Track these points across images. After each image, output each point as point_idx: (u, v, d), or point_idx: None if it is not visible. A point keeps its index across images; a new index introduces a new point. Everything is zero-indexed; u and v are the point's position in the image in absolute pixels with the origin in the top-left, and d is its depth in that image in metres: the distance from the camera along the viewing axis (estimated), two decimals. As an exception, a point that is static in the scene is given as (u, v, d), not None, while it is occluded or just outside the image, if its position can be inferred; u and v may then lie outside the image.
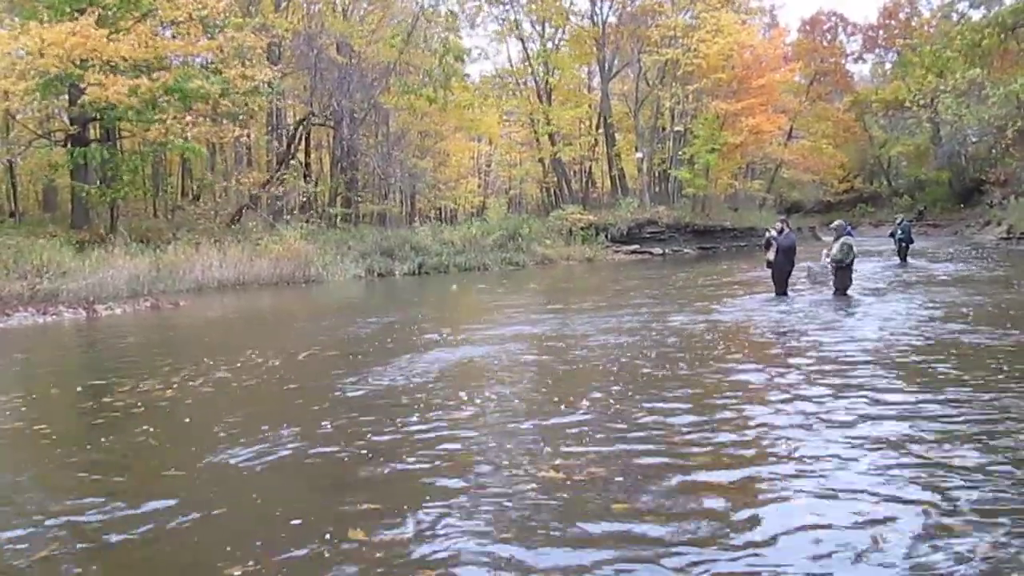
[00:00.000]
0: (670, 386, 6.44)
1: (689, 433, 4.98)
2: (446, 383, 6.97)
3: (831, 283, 13.18)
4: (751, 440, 4.81)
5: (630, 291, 16.23)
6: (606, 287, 18.16)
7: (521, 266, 27.25)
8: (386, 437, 5.17)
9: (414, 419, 5.57)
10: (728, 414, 5.47)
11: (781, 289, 13.27)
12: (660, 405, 5.74)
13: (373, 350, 9.07)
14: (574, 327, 10.34)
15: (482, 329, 10.74)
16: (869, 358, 7.28)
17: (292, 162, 29.63)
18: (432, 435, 5.13)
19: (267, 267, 20.83)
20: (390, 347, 9.26)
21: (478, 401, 6.13)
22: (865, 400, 5.63)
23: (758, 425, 5.13)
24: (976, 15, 31.19)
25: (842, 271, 12.76)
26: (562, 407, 5.80)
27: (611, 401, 5.97)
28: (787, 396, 5.89)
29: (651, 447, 4.69)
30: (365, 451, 4.84)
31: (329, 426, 5.46)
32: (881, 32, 52.28)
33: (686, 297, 14.46)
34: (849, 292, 12.82)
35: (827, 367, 6.92)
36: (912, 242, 21.78)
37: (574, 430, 5.14)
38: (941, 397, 5.64)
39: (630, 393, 6.25)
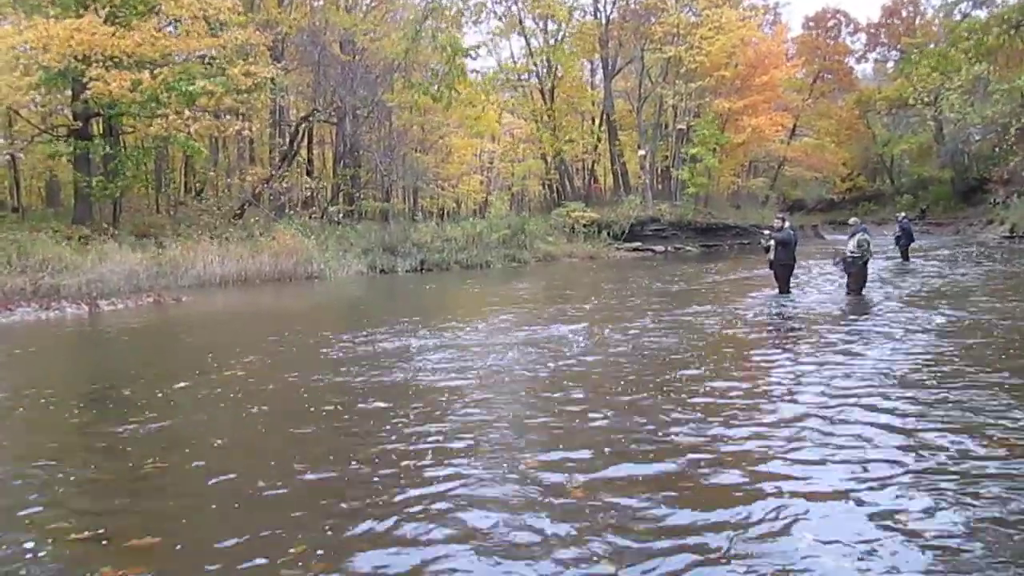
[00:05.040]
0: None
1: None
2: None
3: (845, 281, 13.13)
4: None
5: (619, 292, 16.21)
6: (601, 289, 18.16)
7: (524, 263, 27.23)
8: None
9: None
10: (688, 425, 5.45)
11: (784, 287, 13.25)
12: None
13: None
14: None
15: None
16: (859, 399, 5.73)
17: (295, 158, 29.60)
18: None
19: (269, 263, 20.83)
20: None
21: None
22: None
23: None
24: (981, 14, 31.11)
25: (857, 268, 12.74)
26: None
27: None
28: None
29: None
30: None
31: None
32: (883, 31, 52.15)
33: (682, 297, 14.44)
34: (863, 292, 12.73)
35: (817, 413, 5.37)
36: (912, 240, 21.78)
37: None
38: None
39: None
